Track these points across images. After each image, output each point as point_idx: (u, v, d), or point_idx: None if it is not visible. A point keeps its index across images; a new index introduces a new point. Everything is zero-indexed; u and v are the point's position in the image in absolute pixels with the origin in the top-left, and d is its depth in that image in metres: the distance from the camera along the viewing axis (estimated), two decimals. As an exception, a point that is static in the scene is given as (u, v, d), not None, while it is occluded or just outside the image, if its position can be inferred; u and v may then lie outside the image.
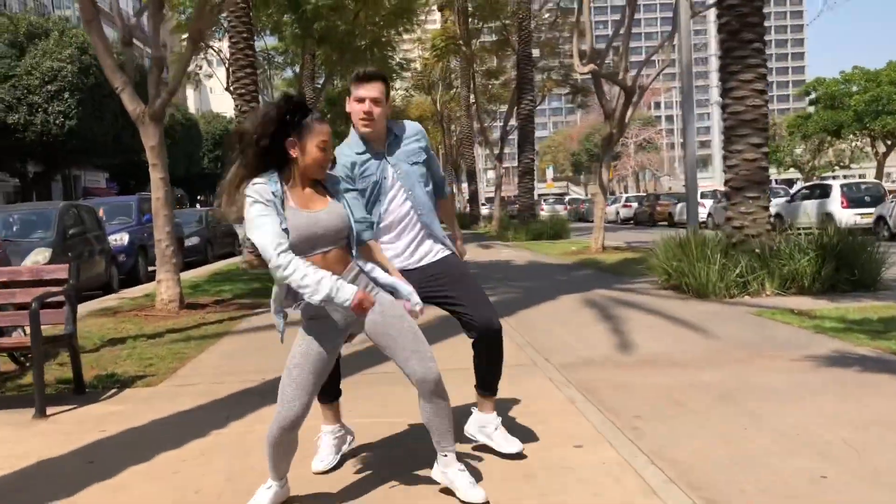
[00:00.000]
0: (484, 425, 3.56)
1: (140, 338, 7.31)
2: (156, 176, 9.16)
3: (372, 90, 3.31)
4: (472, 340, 3.43)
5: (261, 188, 2.75)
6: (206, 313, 9.01)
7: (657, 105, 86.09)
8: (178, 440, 3.99)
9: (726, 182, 9.61)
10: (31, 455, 3.88)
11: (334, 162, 3.01)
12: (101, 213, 14.85)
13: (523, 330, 6.92)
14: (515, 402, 4.46)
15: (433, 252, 3.50)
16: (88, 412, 4.73)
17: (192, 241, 19.34)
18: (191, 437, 4.05)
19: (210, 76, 26.95)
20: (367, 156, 3.40)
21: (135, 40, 9.52)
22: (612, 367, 5.39)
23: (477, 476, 3.21)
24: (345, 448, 3.59)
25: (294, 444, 2.96)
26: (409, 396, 3.48)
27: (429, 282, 3.38)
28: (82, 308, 9.89)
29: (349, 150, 3.41)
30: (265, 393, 4.93)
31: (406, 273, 3.27)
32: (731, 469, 3.26)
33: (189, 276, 14.31)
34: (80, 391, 5.19)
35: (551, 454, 3.53)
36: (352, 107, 3.37)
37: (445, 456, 3.03)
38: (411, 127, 3.58)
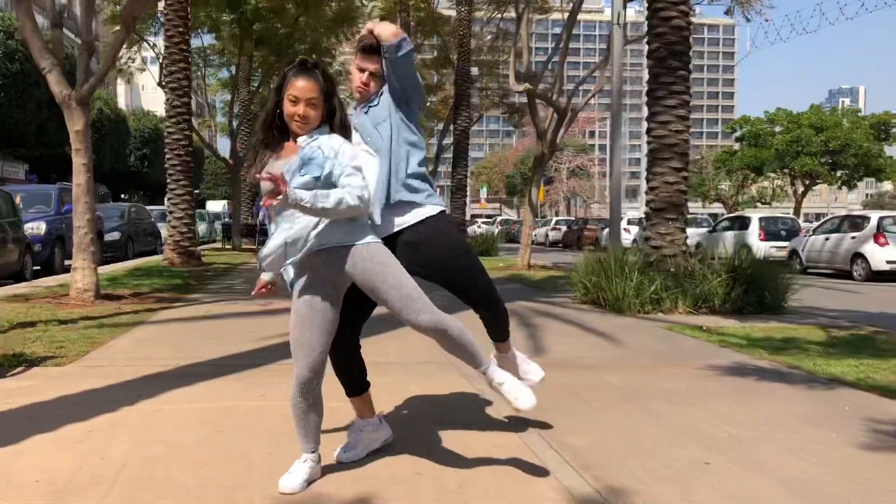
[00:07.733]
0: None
1: (52, 322, 7.13)
2: (78, 161, 8.95)
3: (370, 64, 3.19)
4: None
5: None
6: (123, 304, 8.85)
7: (591, 134, 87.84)
8: (86, 414, 3.95)
9: (647, 203, 9.96)
10: (-72, 423, 3.79)
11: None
12: (18, 200, 14.42)
13: (443, 332, 7.00)
14: (428, 396, 4.56)
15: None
16: (-8, 387, 4.63)
17: (112, 236, 18.86)
18: (99, 411, 4.00)
19: (143, 70, 26.39)
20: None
21: (66, 30, 9.34)
22: (525, 367, 5.53)
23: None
24: (376, 445, 3.40)
25: (315, 409, 2.95)
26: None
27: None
28: (-8, 293, 9.60)
29: None
30: (179, 377, 4.91)
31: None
32: (624, 455, 3.42)
33: (107, 269, 13.96)
34: (-17, 368, 5.06)
35: (455, 436, 3.64)
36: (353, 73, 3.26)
37: (484, 373, 3.07)
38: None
